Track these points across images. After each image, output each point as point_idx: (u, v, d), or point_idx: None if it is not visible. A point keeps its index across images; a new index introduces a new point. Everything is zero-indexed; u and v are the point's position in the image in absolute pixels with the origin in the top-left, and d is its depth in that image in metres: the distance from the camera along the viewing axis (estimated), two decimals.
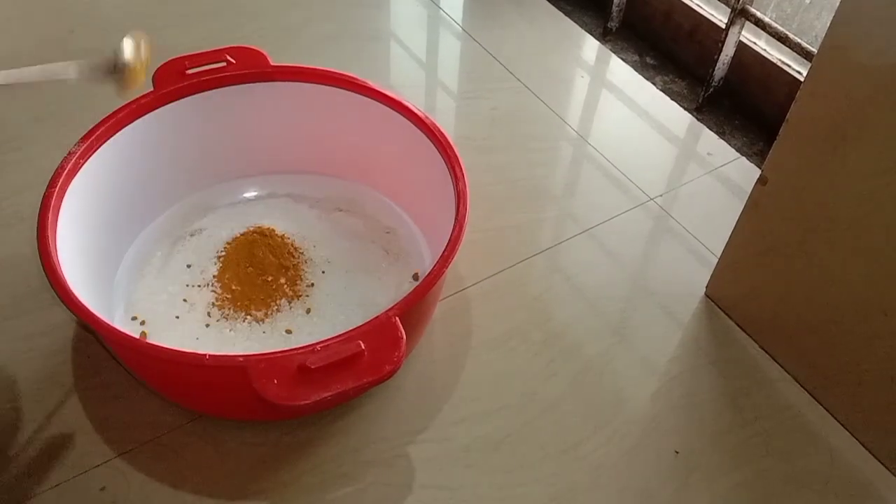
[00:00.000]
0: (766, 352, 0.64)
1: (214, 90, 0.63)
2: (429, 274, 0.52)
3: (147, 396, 0.57)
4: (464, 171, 0.59)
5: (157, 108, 0.61)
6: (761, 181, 0.57)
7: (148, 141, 0.62)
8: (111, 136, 0.59)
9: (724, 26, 0.85)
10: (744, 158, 0.82)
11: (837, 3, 0.48)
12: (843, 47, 0.48)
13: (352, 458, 0.55)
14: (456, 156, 0.60)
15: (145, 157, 0.63)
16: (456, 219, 0.56)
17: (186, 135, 0.65)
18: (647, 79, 0.91)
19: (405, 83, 0.87)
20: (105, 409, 0.56)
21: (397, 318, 0.48)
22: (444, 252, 0.53)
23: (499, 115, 0.84)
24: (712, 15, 0.90)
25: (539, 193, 0.76)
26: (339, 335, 0.47)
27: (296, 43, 0.89)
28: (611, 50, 0.95)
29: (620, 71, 0.92)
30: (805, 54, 0.78)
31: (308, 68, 0.65)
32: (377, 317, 0.48)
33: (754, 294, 0.63)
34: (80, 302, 0.48)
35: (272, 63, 0.64)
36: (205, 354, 0.46)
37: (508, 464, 0.55)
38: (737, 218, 0.61)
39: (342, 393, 0.45)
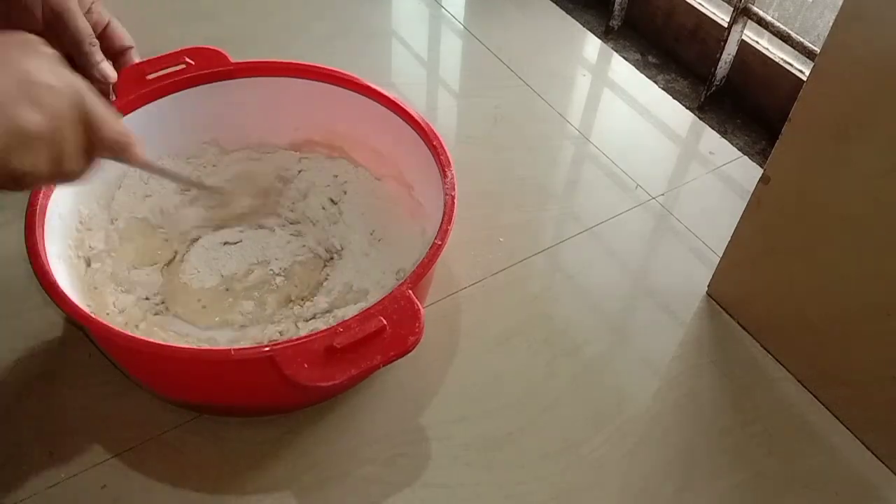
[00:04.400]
0: (768, 351, 0.64)
1: (177, 93, 0.63)
2: (432, 246, 0.53)
3: (148, 394, 0.57)
4: (440, 139, 0.61)
5: (123, 116, 0.60)
6: (764, 180, 0.57)
7: None
8: None
9: (726, 25, 0.84)
10: (746, 157, 0.82)
11: (840, 2, 0.48)
12: (846, 46, 0.48)
13: (352, 456, 0.55)
14: (427, 125, 0.62)
15: (115, 165, 0.62)
16: (445, 194, 0.57)
17: (154, 140, 0.63)
18: (649, 77, 0.91)
19: (406, 81, 0.87)
20: (105, 406, 0.56)
21: (411, 291, 0.49)
22: (441, 225, 0.55)
23: (500, 114, 0.83)
24: (714, 14, 0.90)
25: (540, 192, 0.76)
26: (359, 314, 0.48)
27: (296, 41, 0.89)
28: (612, 48, 0.95)
29: (622, 70, 0.92)
30: (807, 53, 0.78)
31: (268, 62, 0.65)
32: (392, 292, 0.49)
33: (756, 293, 0.63)
34: (74, 303, 0.48)
35: (232, 61, 0.64)
36: (229, 349, 0.47)
37: (509, 462, 0.55)
38: (739, 217, 0.61)
39: (370, 368, 0.46)
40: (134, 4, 0.92)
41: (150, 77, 0.62)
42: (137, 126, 0.61)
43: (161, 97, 0.62)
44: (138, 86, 0.61)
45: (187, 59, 0.63)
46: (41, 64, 0.36)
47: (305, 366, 0.45)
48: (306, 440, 0.55)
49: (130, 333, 0.49)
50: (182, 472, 0.53)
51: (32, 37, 0.37)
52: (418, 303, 0.49)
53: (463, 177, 0.75)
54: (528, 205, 0.74)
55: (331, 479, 0.53)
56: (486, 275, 0.67)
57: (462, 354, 0.61)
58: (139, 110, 0.61)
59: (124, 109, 0.61)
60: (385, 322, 0.48)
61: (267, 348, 0.46)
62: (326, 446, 0.55)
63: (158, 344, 0.49)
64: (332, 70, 0.65)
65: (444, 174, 0.59)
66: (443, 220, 0.55)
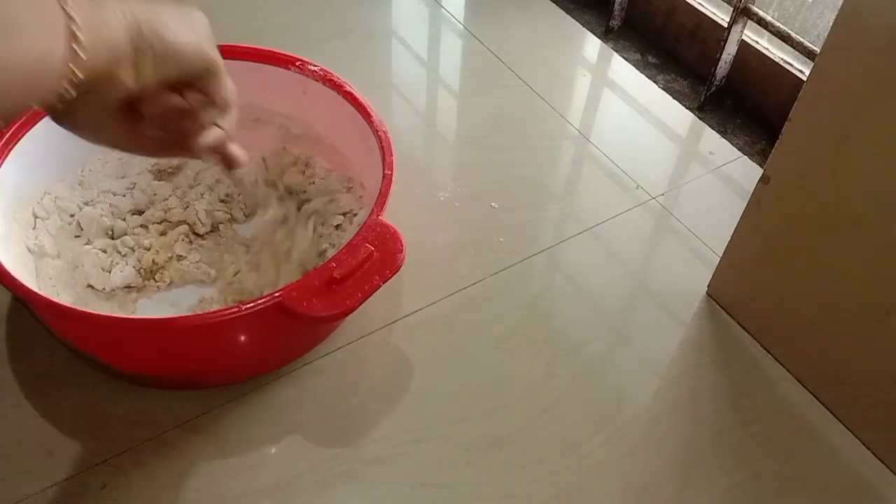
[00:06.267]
0: (768, 351, 0.64)
1: None
2: (384, 178, 0.57)
3: (148, 393, 0.57)
4: (369, 110, 0.63)
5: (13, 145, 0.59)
6: (763, 180, 0.57)
7: (39, 151, 0.60)
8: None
9: (726, 25, 0.84)
10: (746, 157, 0.82)
11: (840, 2, 0.48)
12: (846, 46, 0.48)
13: (353, 456, 0.55)
14: (328, 72, 0.65)
15: (45, 168, 0.62)
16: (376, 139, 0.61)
17: (75, 163, 0.64)
18: (649, 77, 0.91)
19: (406, 81, 0.87)
20: (105, 406, 0.56)
21: (381, 216, 0.54)
22: (384, 157, 0.59)
23: (501, 114, 0.83)
24: (714, 14, 0.90)
25: (540, 192, 0.76)
26: (345, 246, 0.52)
27: (296, 41, 0.89)
28: (612, 48, 0.95)
29: (622, 70, 0.92)
30: (807, 53, 0.78)
31: None
32: (366, 223, 0.54)
33: (756, 293, 0.63)
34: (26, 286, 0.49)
35: None
36: (238, 306, 0.49)
37: (509, 462, 0.55)
38: (739, 217, 0.61)
39: (372, 288, 0.50)
40: None
41: None
42: (58, 152, 0.61)
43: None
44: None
45: None
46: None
47: (314, 300, 0.49)
48: (307, 440, 0.55)
49: (126, 316, 0.50)
50: (182, 472, 0.53)
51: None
52: (393, 225, 0.53)
53: (463, 177, 0.76)
54: (528, 205, 0.74)
55: (331, 479, 0.53)
56: (486, 275, 0.67)
57: (462, 354, 0.61)
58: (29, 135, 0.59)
59: (15, 138, 0.58)
60: (372, 248, 0.52)
61: (278, 294, 0.49)
62: (327, 446, 0.55)
63: (159, 319, 0.51)
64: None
65: (368, 118, 0.61)
66: (383, 152, 0.59)
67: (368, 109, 0.62)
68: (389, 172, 0.58)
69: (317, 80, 0.65)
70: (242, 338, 0.54)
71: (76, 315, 0.49)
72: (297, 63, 0.65)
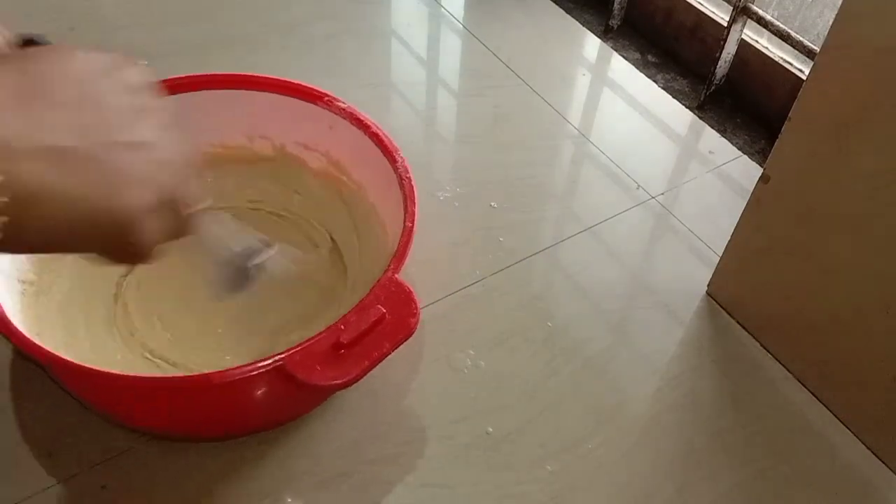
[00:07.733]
0: (768, 350, 0.64)
1: None
2: (404, 230, 0.53)
3: None
4: (377, 125, 0.60)
5: None
6: (763, 179, 0.57)
7: None
8: None
9: (725, 24, 0.84)
10: (745, 157, 0.82)
11: (840, 1, 0.47)
12: (846, 45, 0.48)
13: (353, 455, 0.55)
14: (356, 110, 0.61)
15: None
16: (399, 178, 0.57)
17: None
18: (649, 77, 0.91)
19: (406, 81, 0.87)
20: None
21: (397, 275, 0.50)
22: (406, 207, 0.55)
23: (500, 113, 0.83)
24: (714, 13, 0.90)
25: (540, 192, 0.76)
26: (356, 307, 0.48)
27: (296, 41, 0.89)
28: (612, 48, 0.95)
29: (622, 69, 0.92)
30: (807, 52, 0.78)
31: (179, 78, 0.61)
32: (380, 280, 0.50)
33: (756, 292, 0.63)
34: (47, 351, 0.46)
35: None
36: (236, 367, 0.45)
37: (509, 462, 0.55)
38: (738, 216, 0.61)
39: (381, 355, 0.47)
40: (134, 5, 0.92)
41: None
42: None
43: None
44: None
45: None
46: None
47: (318, 367, 0.45)
48: (307, 440, 0.55)
49: (120, 372, 0.46)
50: (182, 473, 0.53)
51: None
52: (408, 284, 0.50)
53: (463, 176, 0.76)
54: (528, 204, 0.74)
55: (331, 479, 0.53)
56: (486, 275, 0.67)
57: (461, 354, 0.61)
58: None
59: None
60: (384, 310, 0.48)
61: (272, 359, 0.45)
62: (327, 446, 0.55)
63: (161, 378, 0.47)
64: (249, 76, 0.63)
65: (393, 160, 0.59)
66: (405, 201, 0.55)
67: (394, 154, 0.59)
68: (410, 225, 0.53)
69: (344, 118, 0.62)
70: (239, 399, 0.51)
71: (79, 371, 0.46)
72: (325, 99, 0.62)
